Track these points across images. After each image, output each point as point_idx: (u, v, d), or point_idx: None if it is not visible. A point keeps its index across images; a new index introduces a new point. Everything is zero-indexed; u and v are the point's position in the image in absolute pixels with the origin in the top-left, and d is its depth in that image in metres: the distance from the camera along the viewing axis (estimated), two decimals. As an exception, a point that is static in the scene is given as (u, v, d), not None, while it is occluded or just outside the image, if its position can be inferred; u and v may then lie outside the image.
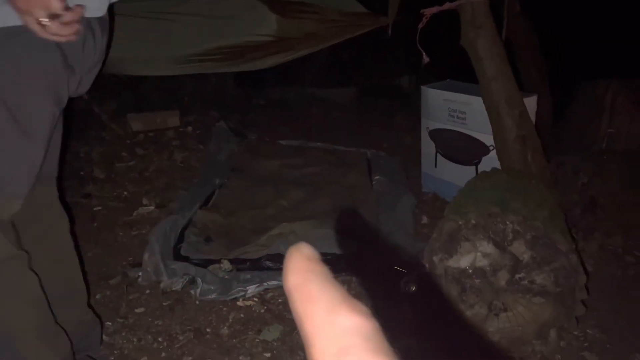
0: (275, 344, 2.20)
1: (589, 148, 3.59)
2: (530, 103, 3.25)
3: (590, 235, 3.08)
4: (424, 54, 3.07)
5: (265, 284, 2.51)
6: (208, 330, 2.25)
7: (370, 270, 2.63)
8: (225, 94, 5.42)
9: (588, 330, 2.27)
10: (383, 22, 2.99)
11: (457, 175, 3.56)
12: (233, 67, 3.37)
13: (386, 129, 4.98)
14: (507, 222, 2.10)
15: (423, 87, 3.74)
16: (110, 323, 2.26)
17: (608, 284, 2.75)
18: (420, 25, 3.04)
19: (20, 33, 1.28)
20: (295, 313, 0.24)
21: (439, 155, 3.77)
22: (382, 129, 4.97)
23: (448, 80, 3.86)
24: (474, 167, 3.49)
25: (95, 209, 3.20)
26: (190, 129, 4.38)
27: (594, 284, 2.73)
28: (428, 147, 3.83)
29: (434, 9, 2.99)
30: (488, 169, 3.03)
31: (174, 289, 2.43)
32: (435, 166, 3.80)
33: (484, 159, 3.41)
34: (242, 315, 2.36)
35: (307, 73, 6.02)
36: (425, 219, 3.42)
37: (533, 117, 3.23)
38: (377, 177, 3.93)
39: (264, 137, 4.54)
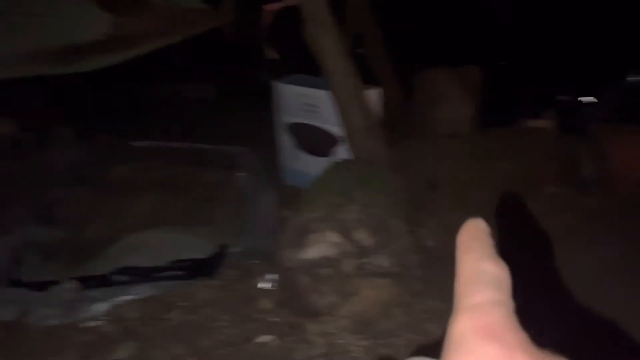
0: (129, 362, 2.09)
1: (431, 132, 3.90)
2: (375, 95, 3.45)
3: (433, 213, 3.37)
4: (271, 50, 3.09)
5: (115, 300, 2.36)
6: (49, 360, 2.06)
7: (226, 271, 2.60)
8: (74, 95, 4.97)
9: (429, 302, 2.47)
10: (224, 18, 2.94)
11: (316, 166, 3.65)
12: (65, 67, 3.09)
13: (248, 124, 4.94)
14: (349, 212, 2.20)
15: (276, 83, 3.77)
16: None
17: (450, 257, 3.01)
18: (265, 21, 3.05)
19: None
20: (456, 262, 0.30)
21: (297, 148, 3.85)
22: (244, 125, 4.92)
23: (300, 74, 3.93)
24: (330, 158, 3.62)
25: None
26: (29, 136, 3.94)
27: (438, 258, 2.99)
28: (286, 141, 3.88)
29: (276, 5, 3.03)
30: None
31: (4, 319, 2.18)
32: (295, 159, 3.88)
33: (336, 149, 3.55)
34: (90, 338, 2.20)
35: (166, 70, 5.75)
36: (288, 213, 3.46)
37: (379, 108, 3.44)
38: (238, 174, 3.88)
39: (115, 139, 4.25)
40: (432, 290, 2.55)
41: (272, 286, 2.43)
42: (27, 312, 2.23)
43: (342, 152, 3.47)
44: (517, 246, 3.06)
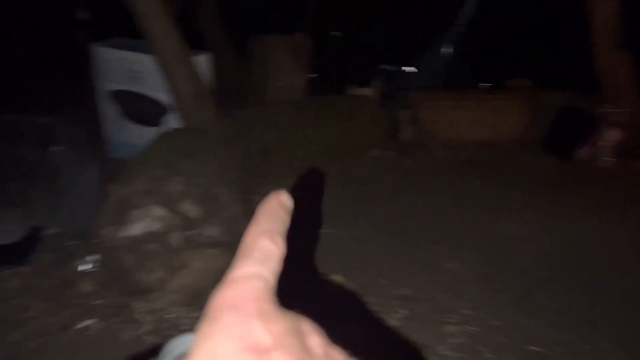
0: None
1: (263, 101, 3.93)
2: (204, 61, 3.34)
3: (267, 180, 3.43)
4: (79, 8, 2.78)
5: None
6: None
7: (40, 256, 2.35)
8: None
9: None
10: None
11: (143, 137, 3.44)
12: None
13: (66, 91, 4.45)
14: (173, 184, 2.13)
15: (94, 46, 3.43)
16: None
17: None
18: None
19: None
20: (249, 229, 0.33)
21: (123, 117, 3.58)
22: (62, 92, 4.42)
23: (120, 37, 3.62)
24: (159, 128, 3.44)
25: None
26: None
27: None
28: (110, 110, 3.58)
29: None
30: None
31: None
32: (121, 130, 3.61)
33: (166, 118, 3.38)
34: None
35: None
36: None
37: (208, 75, 3.34)
38: (54, 148, 3.49)
39: None
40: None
41: (94, 267, 2.27)
42: None
43: (172, 121, 3.33)
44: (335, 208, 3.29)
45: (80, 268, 2.27)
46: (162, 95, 3.27)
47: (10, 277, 2.28)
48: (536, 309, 2.45)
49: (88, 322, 2.09)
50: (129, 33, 3.37)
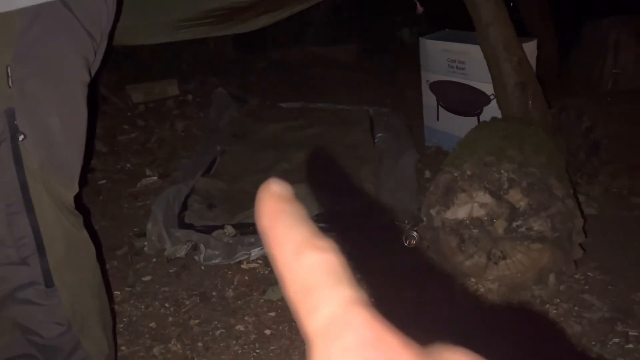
0: (279, 302, 2.26)
1: (594, 90, 3.50)
2: (530, 47, 3.16)
3: (594, 179, 3.04)
4: (418, 4, 2.99)
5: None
6: (214, 294, 2.31)
7: (370, 227, 2.64)
8: (224, 58, 5.36)
9: (589, 273, 2.27)
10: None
11: (459, 126, 3.51)
12: (225, 30, 3.33)
13: (389, 84, 4.90)
14: (502, 171, 2.08)
15: (421, 39, 3.65)
16: (118, 292, 2.33)
17: (613, 226, 2.72)
18: (413, -26, 2.94)
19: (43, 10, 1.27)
20: (269, 255, 0.24)
21: (440, 107, 3.72)
22: (385, 85, 4.89)
23: (446, 30, 3.75)
24: (475, 118, 3.44)
25: (99, 182, 3.24)
26: (190, 97, 4.36)
27: (598, 226, 2.72)
28: (429, 100, 3.77)
29: (425, -44, 2.89)
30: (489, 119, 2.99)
31: (178, 255, 2.49)
32: (438, 119, 3.76)
33: (485, 108, 3.35)
34: (246, 278, 2.41)
35: (308, 32, 5.91)
36: (428, 174, 3.40)
37: (533, 62, 3.15)
38: (379, 135, 3.89)
39: (265, 100, 4.51)
40: (592, 260, 2.34)
41: (415, 244, 2.42)
42: (195, 251, 2.51)
43: (490, 112, 3.28)
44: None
45: (405, 243, 2.45)
46: (483, 85, 3.25)
47: (344, 242, 2.64)
48: None
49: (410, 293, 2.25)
50: (457, 25, 3.45)
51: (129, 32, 3.05)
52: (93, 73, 1.51)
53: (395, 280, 2.30)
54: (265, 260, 2.51)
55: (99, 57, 1.54)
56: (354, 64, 5.49)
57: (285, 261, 0.23)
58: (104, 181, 3.26)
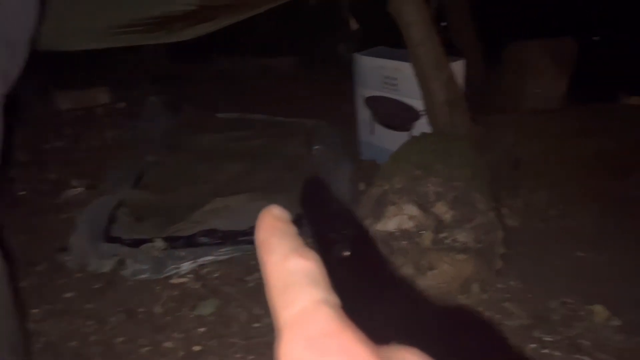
0: (210, 318, 2.21)
1: (517, 108, 3.71)
2: (458, 67, 3.32)
3: (516, 192, 3.22)
4: (352, 20, 3.06)
5: (199, 260, 2.50)
6: (141, 310, 2.23)
7: (305, 238, 2.64)
8: (160, 67, 5.24)
9: (510, 282, 2.39)
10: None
11: (393, 141, 3.61)
12: (158, 38, 3.26)
13: (327, 97, 4.97)
14: (430, 185, 2.16)
15: (356, 55, 3.74)
16: (37, 310, 2.20)
17: (532, 237, 2.89)
18: (348, -9, 3.02)
19: None
20: (260, 264, 0.27)
21: (375, 122, 3.81)
22: (324, 98, 4.95)
23: (381, 46, 3.86)
24: (408, 133, 3.56)
25: (19, 193, 3.06)
26: (121, 105, 4.22)
27: (519, 238, 2.87)
28: (364, 114, 3.86)
29: (359, -25, 2.98)
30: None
31: (103, 271, 2.38)
32: (372, 133, 3.85)
33: (416, 123, 3.47)
34: (176, 293, 2.35)
35: (250, 42, 5.90)
36: (363, 186, 3.47)
37: (461, 81, 3.31)
38: (316, 147, 3.93)
39: (202, 110, 4.44)
40: (513, 270, 2.47)
41: (347, 256, 2.45)
42: (121, 266, 2.42)
43: (421, 127, 3.40)
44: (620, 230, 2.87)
45: (338, 255, 2.47)
46: (414, 101, 3.37)
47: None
48: None
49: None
50: (391, 42, 3.56)
51: (58, 36, 2.92)
52: (12, 82, 1.43)
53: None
54: (197, 275, 2.46)
55: (19, 65, 1.46)
56: (294, 76, 5.54)
57: (273, 264, 0.26)
58: (24, 192, 3.08)
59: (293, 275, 0.25)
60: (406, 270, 2.23)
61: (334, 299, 0.25)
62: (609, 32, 5.40)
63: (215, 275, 2.46)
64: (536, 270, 2.54)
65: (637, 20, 4.94)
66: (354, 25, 3.02)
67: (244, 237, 2.60)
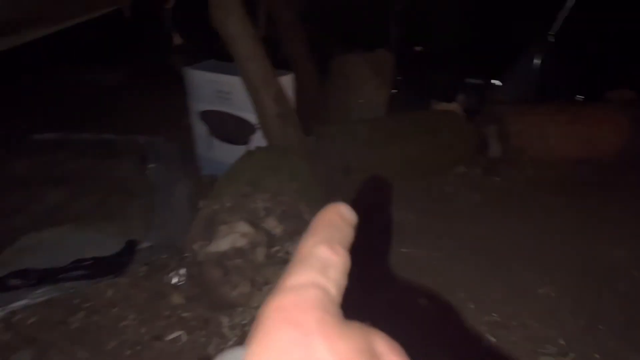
0: (25, 371, 1.95)
1: (345, 118, 3.94)
2: (288, 81, 3.42)
3: (348, 197, 3.42)
4: (175, 35, 2.97)
5: (10, 306, 2.20)
6: None
7: (134, 268, 2.49)
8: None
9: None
10: (122, 2, 2.78)
11: (232, 155, 3.57)
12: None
13: (163, 111, 4.76)
14: (259, 200, 2.18)
15: (187, 69, 3.63)
16: None
17: (363, 240, 3.08)
18: (168, 5, 2.92)
19: None
20: (300, 240, 0.29)
21: (212, 137, 3.75)
22: (159, 112, 4.73)
23: (212, 60, 3.81)
24: (245, 146, 3.56)
25: None
26: None
27: (354, 240, 3.05)
28: (201, 129, 3.77)
29: (178, -13, 2.90)
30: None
31: None
32: (211, 148, 3.78)
33: (253, 137, 3.49)
34: (-20, 347, 2.03)
35: (74, 53, 5.40)
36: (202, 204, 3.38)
37: (291, 94, 3.41)
38: (151, 165, 3.73)
39: (15, 132, 3.94)
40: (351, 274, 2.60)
41: (181, 281, 2.36)
42: None
43: (258, 140, 3.43)
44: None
45: (172, 281, 2.37)
46: (248, 115, 3.38)
47: (107, 288, 2.43)
48: (643, 342, 2.21)
49: (177, 333, 2.17)
50: (221, 56, 3.53)
51: None
52: None
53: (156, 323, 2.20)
54: (7, 323, 2.16)
55: None
56: (125, 89, 5.20)
57: (305, 244, 0.29)
58: None
59: (311, 258, 0.28)
60: (242, 288, 2.21)
61: (333, 290, 0.27)
62: (430, 43, 6.00)
63: (31, 321, 2.18)
64: (369, 268, 2.70)
65: (454, 33, 5.59)
66: (177, 39, 2.91)
67: (65, 275, 2.35)
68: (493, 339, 2.23)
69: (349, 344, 0.24)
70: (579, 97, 4.90)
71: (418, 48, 6.22)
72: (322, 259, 0.28)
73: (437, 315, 2.36)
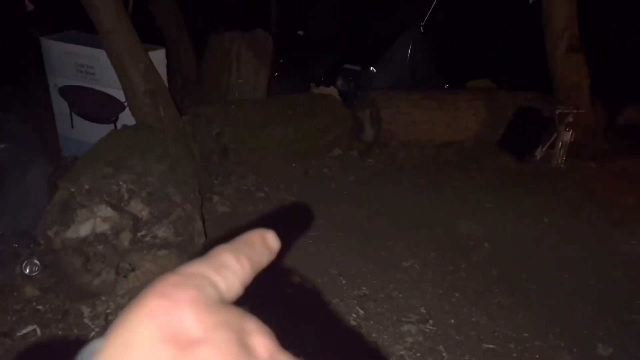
0: None
1: (223, 98, 3.85)
2: (158, 55, 3.23)
3: (227, 179, 3.36)
4: (27, 1, 2.65)
5: None
6: None
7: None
8: None
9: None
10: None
11: (97, 135, 3.31)
12: None
13: (16, 85, 4.26)
14: (121, 182, 2.04)
15: (42, 39, 3.27)
16: None
17: (243, 221, 3.05)
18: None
19: None
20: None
21: (74, 114, 3.44)
22: (9, 87, 4.22)
23: (72, 30, 3.48)
24: (113, 126, 3.32)
25: None
26: None
27: (232, 223, 3.02)
28: (60, 106, 3.44)
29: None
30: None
31: None
32: (72, 127, 3.47)
33: (122, 115, 3.27)
34: None
35: None
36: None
37: (163, 70, 3.24)
38: (2, 146, 3.32)
39: None
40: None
41: (35, 271, 2.15)
42: None
43: (126, 118, 3.21)
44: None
45: (25, 271, 2.15)
46: (115, 91, 3.15)
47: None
48: (492, 307, 2.47)
49: (30, 328, 1.98)
50: (84, 26, 3.23)
51: None
52: None
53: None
54: None
55: None
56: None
57: (216, 252, 0.29)
58: None
59: (212, 259, 0.28)
60: (106, 276, 2.08)
61: (222, 290, 0.27)
62: (311, 28, 6.05)
63: None
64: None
65: (334, 19, 5.69)
66: (29, 5, 2.60)
67: None
68: (361, 312, 2.35)
69: (216, 318, 0.24)
70: (444, 85, 5.30)
71: (299, 32, 6.27)
72: (221, 261, 0.28)
73: (308, 294, 2.43)
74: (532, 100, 4.30)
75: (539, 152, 4.10)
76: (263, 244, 0.32)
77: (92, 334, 1.98)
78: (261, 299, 2.23)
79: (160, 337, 0.22)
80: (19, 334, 1.97)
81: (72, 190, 1.99)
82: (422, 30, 5.21)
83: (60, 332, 1.99)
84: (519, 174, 4.00)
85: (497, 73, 5.02)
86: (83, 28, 3.32)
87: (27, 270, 2.17)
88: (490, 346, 2.20)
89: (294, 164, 3.72)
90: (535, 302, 2.52)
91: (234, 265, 0.29)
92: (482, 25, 5.28)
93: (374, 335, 2.20)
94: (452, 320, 2.37)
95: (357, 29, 5.60)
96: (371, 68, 5.37)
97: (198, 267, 0.27)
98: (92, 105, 3.29)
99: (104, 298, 2.09)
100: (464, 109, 4.33)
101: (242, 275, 0.29)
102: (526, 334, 2.29)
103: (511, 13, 5.45)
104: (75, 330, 2.00)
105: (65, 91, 3.33)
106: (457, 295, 2.56)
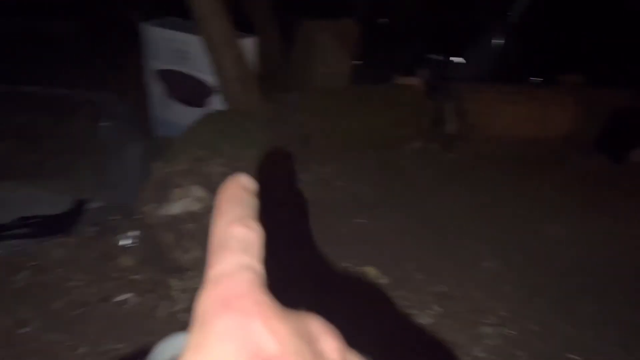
0: (-38, 330, 1.88)
1: (307, 86, 3.90)
2: (250, 44, 3.33)
3: (306, 167, 3.42)
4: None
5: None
6: None
7: (83, 229, 2.42)
8: None
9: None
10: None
11: (188, 117, 3.49)
12: None
13: (118, 68, 4.56)
14: (214, 165, 2.14)
15: (144, 25, 3.47)
16: None
17: (322, 208, 3.10)
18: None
19: None
20: (212, 223, 0.28)
21: (168, 97, 3.63)
22: (113, 68, 4.53)
23: (172, 17, 3.66)
24: (204, 109, 3.47)
25: None
26: None
27: (311, 210, 3.07)
28: (157, 88, 3.64)
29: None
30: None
31: None
32: (167, 109, 3.66)
33: (211, 99, 3.41)
34: None
35: (19, 2, 5.05)
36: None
37: (253, 58, 3.33)
38: (104, 124, 3.59)
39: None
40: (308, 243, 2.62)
41: (134, 243, 2.32)
42: None
43: (216, 103, 3.35)
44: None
45: (121, 243, 2.33)
46: (207, 76, 3.29)
47: (55, 247, 2.36)
48: (576, 315, 2.35)
49: (126, 295, 2.14)
50: (182, 13, 3.39)
51: None
52: None
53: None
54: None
55: None
56: (76, 42, 4.94)
57: (218, 227, 0.28)
58: None
59: (230, 240, 0.27)
60: (195, 253, 2.20)
61: (259, 267, 0.26)
62: (396, 16, 5.96)
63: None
64: (323, 238, 2.72)
65: (420, 5, 5.58)
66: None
67: (8, 232, 2.26)
68: (439, 309, 2.32)
69: (287, 326, 0.24)
70: (535, 79, 5.04)
71: (383, 20, 6.19)
72: (240, 238, 0.27)
73: (384, 286, 2.43)
74: (630, 99, 3.99)
75: (636, 155, 3.80)
76: (246, 192, 0.31)
77: (179, 306, 2.11)
78: (335, 292, 2.26)
79: (243, 358, 0.22)
80: (115, 299, 2.14)
81: (169, 170, 2.11)
82: (513, 21, 4.97)
83: (151, 302, 2.13)
84: (612, 176, 3.75)
85: (592, 67, 4.69)
86: (182, 14, 3.49)
87: (125, 242, 2.34)
88: (575, 357, 2.10)
89: (373, 155, 3.71)
90: (623, 313, 2.37)
91: (251, 237, 0.28)
92: (576, 16, 4.94)
93: (450, 334, 2.17)
94: (533, 326, 2.28)
95: (443, 18, 5.44)
96: (456, 58, 5.21)
97: (230, 258, 0.26)
98: (185, 89, 3.46)
99: (191, 273, 2.21)
100: (554, 106, 4.10)
101: (260, 240, 0.28)
102: (613, 347, 2.16)
103: (607, 3, 5.05)
104: (164, 301, 2.14)
105: (161, 75, 3.53)
106: (539, 300, 2.46)
